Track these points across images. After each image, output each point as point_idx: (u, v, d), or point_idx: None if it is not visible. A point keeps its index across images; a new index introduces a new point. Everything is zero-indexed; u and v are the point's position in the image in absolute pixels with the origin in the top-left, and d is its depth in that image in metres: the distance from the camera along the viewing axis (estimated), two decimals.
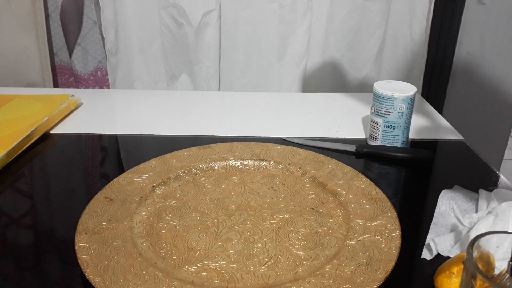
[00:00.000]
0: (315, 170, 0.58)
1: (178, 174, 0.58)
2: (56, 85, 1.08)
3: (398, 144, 0.66)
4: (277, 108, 0.85)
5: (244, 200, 0.53)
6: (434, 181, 0.62)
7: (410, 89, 0.64)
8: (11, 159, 0.63)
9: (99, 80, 1.08)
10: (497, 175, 0.61)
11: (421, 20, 1.04)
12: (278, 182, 0.57)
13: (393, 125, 0.65)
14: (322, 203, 0.52)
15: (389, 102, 0.64)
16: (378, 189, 0.53)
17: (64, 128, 0.75)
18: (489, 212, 0.48)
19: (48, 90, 1.00)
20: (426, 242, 0.46)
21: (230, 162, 0.60)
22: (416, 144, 0.71)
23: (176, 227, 0.48)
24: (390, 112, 0.64)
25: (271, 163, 0.60)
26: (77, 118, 0.80)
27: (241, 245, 0.45)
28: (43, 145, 0.70)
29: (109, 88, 1.07)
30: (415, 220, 0.52)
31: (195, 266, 0.42)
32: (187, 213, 0.50)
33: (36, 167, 0.65)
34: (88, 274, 0.40)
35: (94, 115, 0.82)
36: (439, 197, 0.52)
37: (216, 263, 0.43)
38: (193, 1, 0.97)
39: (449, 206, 0.51)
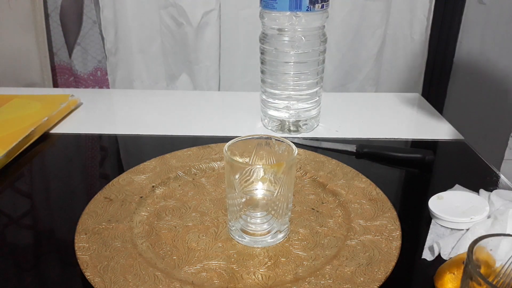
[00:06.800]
0: (315, 170, 0.58)
1: (178, 174, 0.57)
2: (55, 85, 1.08)
3: None
4: None
5: None
6: (434, 181, 0.62)
7: None
8: (11, 159, 0.63)
9: (98, 80, 1.08)
10: (497, 175, 0.61)
11: (421, 20, 1.04)
12: None
13: None
14: (322, 203, 0.52)
15: None
16: (378, 189, 0.53)
17: (64, 128, 0.75)
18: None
19: (47, 90, 1.00)
20: (430, 244, 0.46)
21: None
22: (416, 144, 0.71)
23: (176, 227, 0.48)
24: None
25: None
26: (77, 118, 0.80)
27: (241, 245, 0.45)
28: (42, 145, 0.70)
29: (108, 88, 1.07)
30: (415, 220, 0.52)
31: (195, 266, 0.42)
32: (187, 213, 0.50)
33: (35, 167, 0.65)
34: (88, 275, 0.40)
35: (94, 115, 0.82)
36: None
37: (216, 263, 0.43)
38: (193, 1, 0.97)
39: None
